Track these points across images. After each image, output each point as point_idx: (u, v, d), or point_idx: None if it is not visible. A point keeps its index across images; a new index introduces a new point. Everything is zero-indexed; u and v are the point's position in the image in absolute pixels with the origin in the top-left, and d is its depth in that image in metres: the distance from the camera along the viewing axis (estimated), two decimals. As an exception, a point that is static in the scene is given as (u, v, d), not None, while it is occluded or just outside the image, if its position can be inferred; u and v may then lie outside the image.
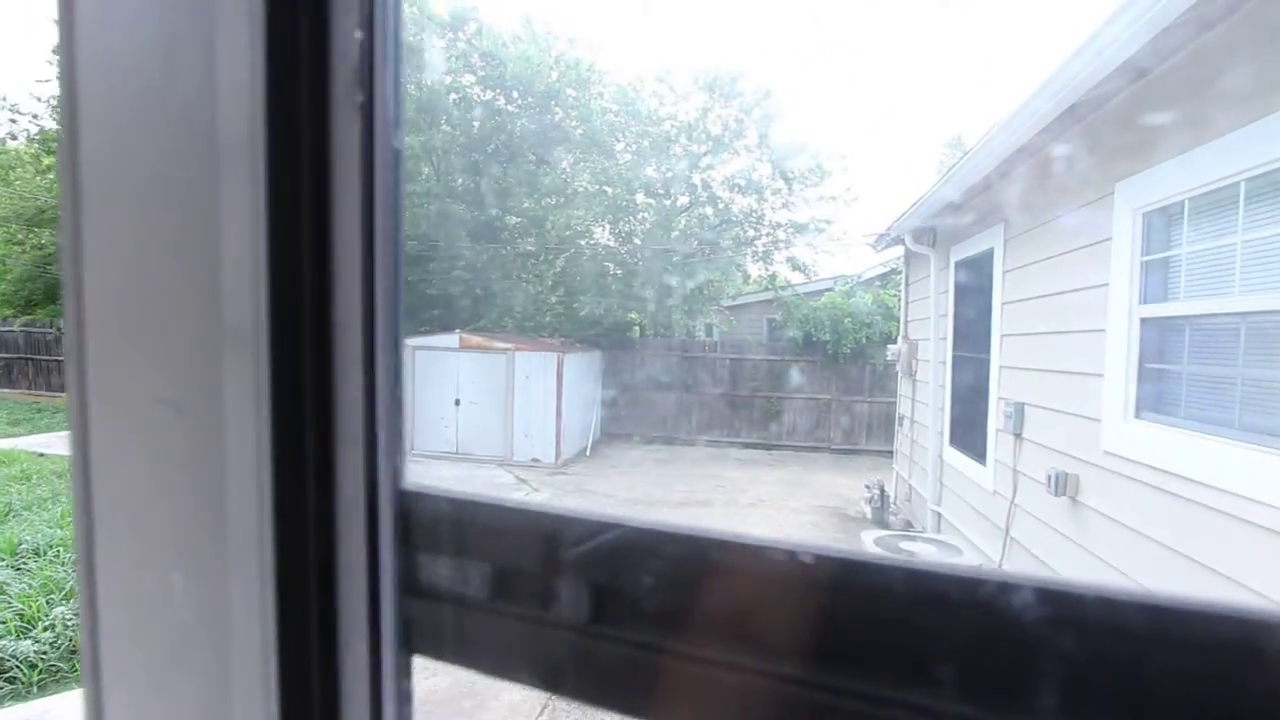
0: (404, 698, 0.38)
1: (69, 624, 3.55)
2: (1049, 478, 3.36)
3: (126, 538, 0.40)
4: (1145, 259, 2.69)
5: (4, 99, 16.37)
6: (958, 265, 5.29)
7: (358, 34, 0.35)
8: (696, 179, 11.62)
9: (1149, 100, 2.73)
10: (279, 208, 0.35)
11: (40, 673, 3.29)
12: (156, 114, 0.37)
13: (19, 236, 15.20)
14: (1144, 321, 2.70)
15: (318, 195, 0.37)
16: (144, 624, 0.40)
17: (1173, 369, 2.60)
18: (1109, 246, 2.93)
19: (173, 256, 0.38)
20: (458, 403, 9.21)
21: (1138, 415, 2.75)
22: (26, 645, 3.36)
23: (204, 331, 0.37)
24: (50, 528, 4.80)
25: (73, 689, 3.28)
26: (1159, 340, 2.66)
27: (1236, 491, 2.20)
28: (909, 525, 6.21)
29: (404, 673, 0.38)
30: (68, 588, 3.86)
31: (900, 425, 7.08)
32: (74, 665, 3.39)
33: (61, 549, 4.39)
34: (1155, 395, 2.70)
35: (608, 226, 11.67)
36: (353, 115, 0.36)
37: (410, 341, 9.60)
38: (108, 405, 0.40)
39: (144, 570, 0.39)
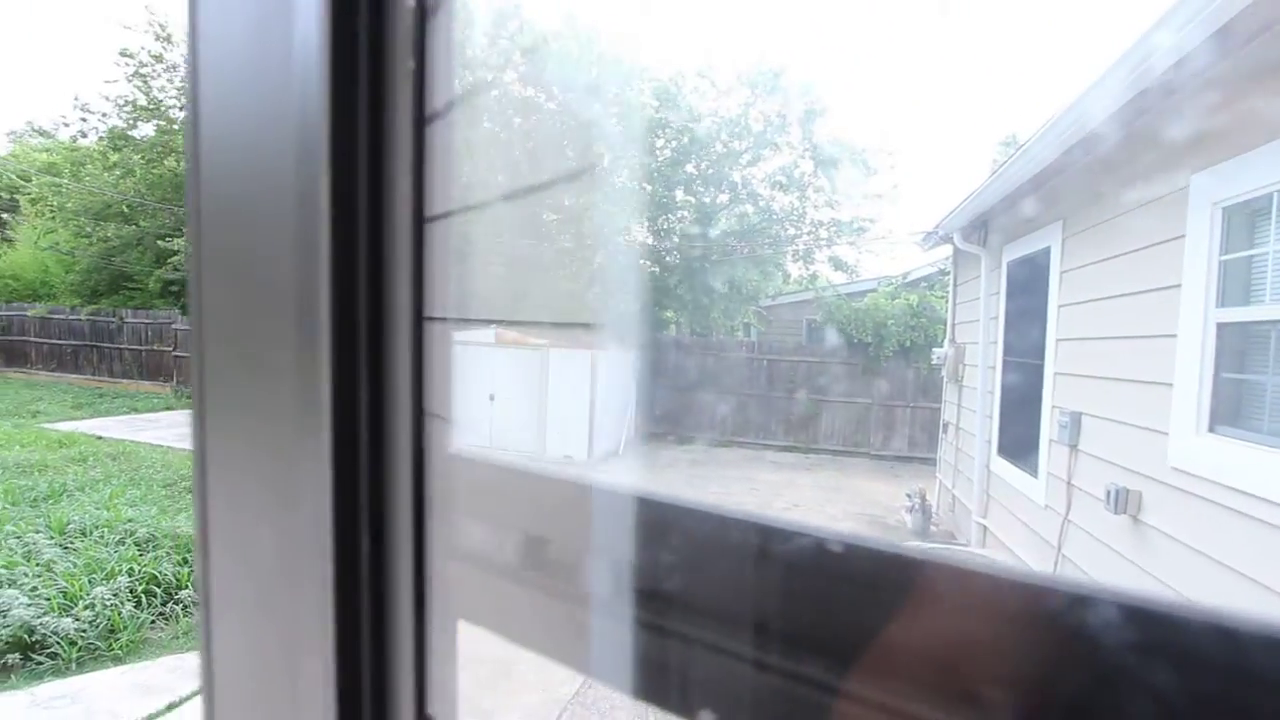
0: (447, 655, 0.42)
1: (108, 604, 3.65)
2: (1108, 493, 3.12)
3: (229, 497, 0.47)
4: (1224, 258, 2.46)
5: (76, 98, 17.22)
6: (1010, 265, 5.02)
7: (410, 1, 0.38)
8: (737, 176, 11.43)
9: (1230, 84, 2.49)
10: (338, 172, 0.39)
11: (79, 650, 3.38)
12: (250, 87, 0.43)
13: (87, 229, 15.99)
14: (1221, 327, 2.47)
15: (373, 160, 0.40)
16: (239, 567, 0.47)
17: (1254, 379, 2.36)
18: (1182, 244, 2.69)
19: (264, 231, 0.43)
20: (492, 398, 9.27)
21: (1211, 429, 2.52)
22: (67, 623, 3.46)
23: (282, 311, 0.42)
24: (98, 509, 4.97)
25: (109, 668, 3.36)
26: (1239, 348, 2.43)
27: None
28: (952, 537, 5.95)
29: (447, 631, 0.41)
30: (109, 567, 3.97)
31: (945, 432, 6.80)
32: (111, 644, 3.48)
33: (106, 530, 4.54)
34: (1233, 408, 2.46)
35: (646, 223, 11.58)
36: (405, 81, 0.39)
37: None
38: (219, 385, 0.48)
39: (240, 524, 0.47)
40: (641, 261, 11.35)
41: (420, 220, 0.40)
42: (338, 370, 0.39)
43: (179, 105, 17.10)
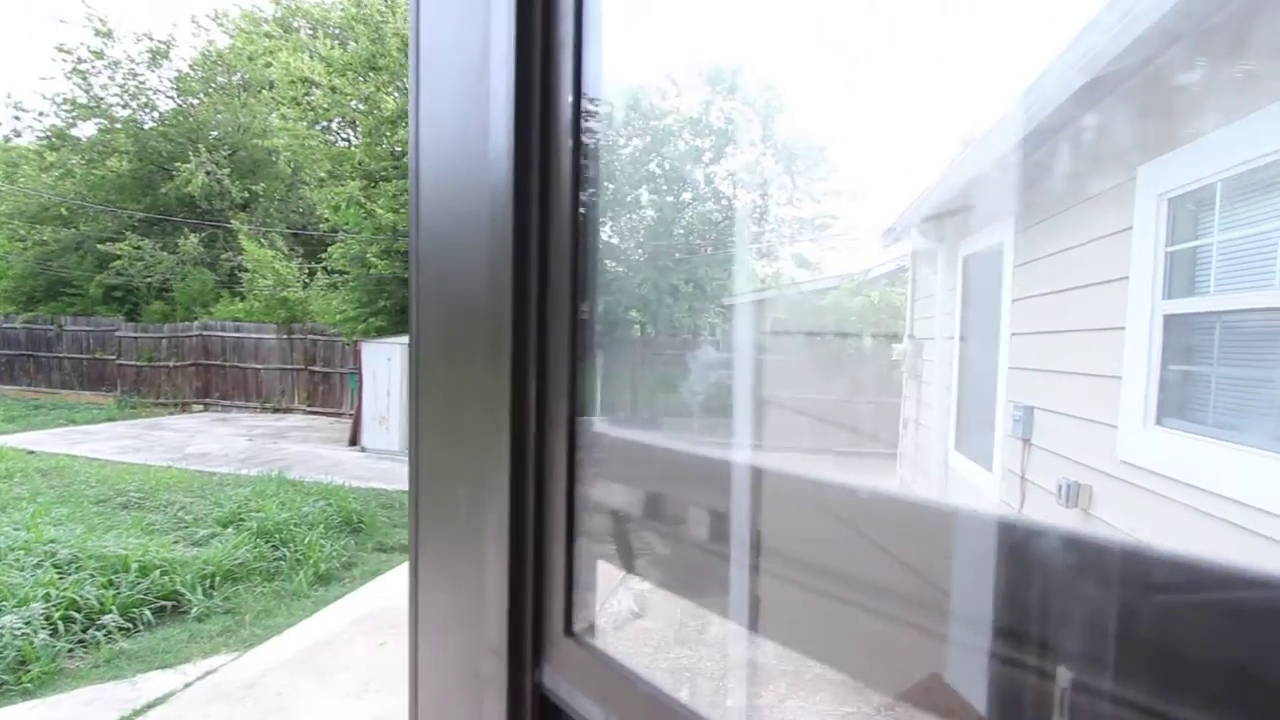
0: (588, 587, 0.53)
1: (18, 633, 3.38)
2: (1059, 487, 3.11)
3: (436, 460, 0.63)
4: (1170, 249, 2.44)
5: (9, 96, 16.38)
6: (966, 260, 5.04)
7: (569, 97, 0.52)
8: (699, 174, 11.39)
9: (1175, 75, 2.47)
10: (519, 220, 0.53)
11: (-18, 686, 3.12)
12: (458, 151, 0.59)
13: (21, 233, 15.21)
14: (1168, 318, 2.45)
15: (542, 210, 0.53)
16: (442, 515, 0.63)
17: (1200, 371, 2.34)
18: (1129, 236, 2.67)
19: (463, 269, 0.59)
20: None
21: (1159, 422, 2.50)
22: (-31, 657, 3.19)
23: (476, 328, 0.57)
24: (16, 530, 4.65)
25: (15, 703, 3.10)
26: (1184, 339, 2.41)
27: (1265, 508, 1.95)
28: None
29: (590, 569, 0.53)
30: (23, 593, 3.69)
31: (904, 428, 6.83)
32: (20, 678, 3.22)
33: (24, 553, 4.23)
34: (1179, 400, 2.44)
35: (609, 223, 11.46)
36: (566, 156, 0.52)
37: (402, 340, 9.42)
38: (429, 381, 0.64)
39: (443, 482, 0.62)
40: (605, 261, 11.23)
41: (575, 260, 0.51)
42: (515, 368, 0.51)
43: (122, 103, 16.39)
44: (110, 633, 3.72)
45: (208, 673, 3.48)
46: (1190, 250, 2.38)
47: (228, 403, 14.30)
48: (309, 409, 14.05)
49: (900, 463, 7.02)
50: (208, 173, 15.44)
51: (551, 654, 0.52)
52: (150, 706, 3.13)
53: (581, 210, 0.51)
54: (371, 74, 11.37)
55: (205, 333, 14.27)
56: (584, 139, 0.50)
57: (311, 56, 11.92)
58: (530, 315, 0.51)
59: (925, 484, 5.67)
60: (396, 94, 11.11)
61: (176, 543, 5.05)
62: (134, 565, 4.23)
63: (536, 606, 0.52)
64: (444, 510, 0.61)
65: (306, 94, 11.99)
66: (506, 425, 0.51)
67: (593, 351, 0.53)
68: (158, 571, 4.27)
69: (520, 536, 0.52)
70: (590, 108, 0.51)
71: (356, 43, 11.97)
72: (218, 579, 4.51)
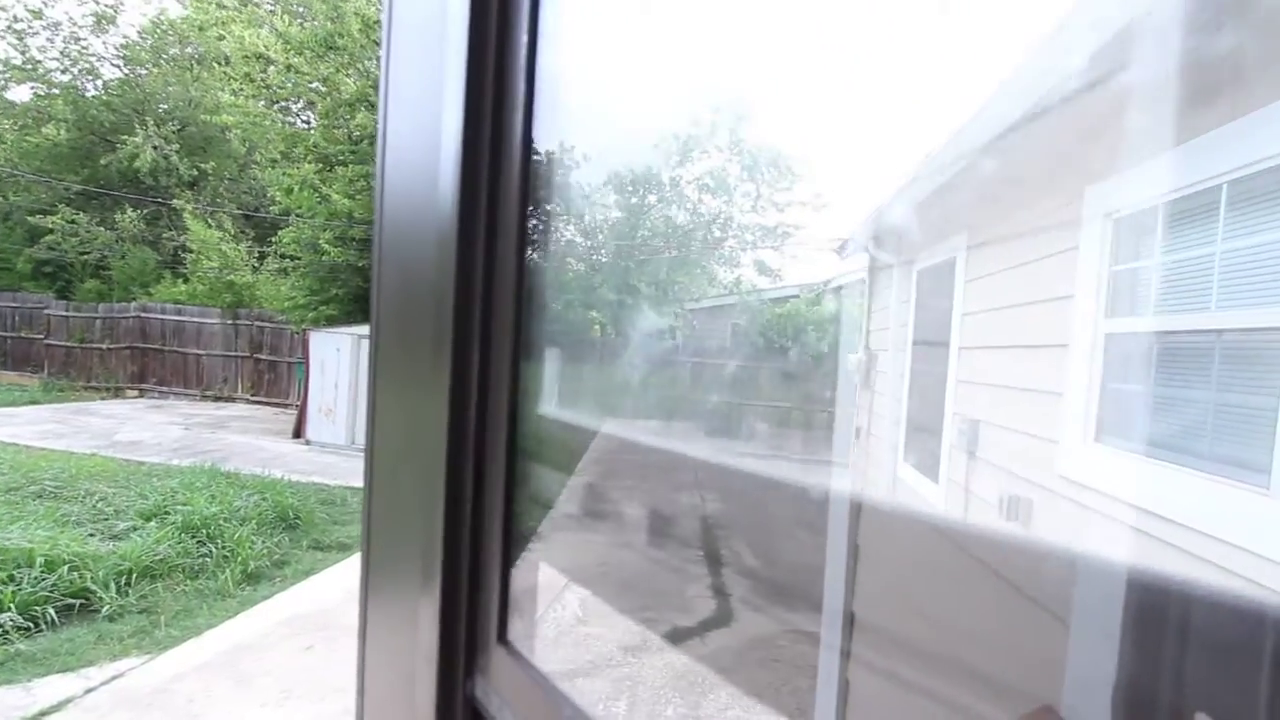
0: (528, 592, 0.54)
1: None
2: (1001, 501, 3.14)
3: (388, 454, 0.63)
4: (1114, 269, 2.48)
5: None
6: (920, 274, 5.11)
7: (521, 85, 0.51)
8: (665, 177, 11.36)
9: (1123, 97, 2.52)
10: (464, 213, 0.52)
11: None
12: (413, 156, 0.60)
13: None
14: (1109, 337, 2.49)
15: (490, 207, 0.53)
16: (391, 510, 0.63)
17: (1138, 390, 2.38)
18: (1075, 255, 2.71)
19: (419, 264, 0.59)
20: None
21: (1097, 439, 2.54)
22: None
23: (425, 313, 0.57)
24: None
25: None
26: (1124, 358, 2.45)
27: (1198, 528, 1.98)
28: (860, 541, 6.03)
29: (531, 572, 0.57)
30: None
31: (856, 437, 6.91)
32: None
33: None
34: (1117, 418, 2.48)
35: (573, 221, 11.34)
36: (514, 157, 0.52)
37: (353, 330, 9.12)
38: (388, 373, 0.65)
39: (393, 478, 0.62)
40: (567, 259, 11.11)
41: (520, 252, 0.52)
42: (456, 358, 0.52)
43: (62, 68, 15.51)
44: (7, 633, 3.44)
45: (113, 677, 3.24)
46: (1131, 271, 2.43)
47: (165, 389, 13.63)
48: (253, 398, 13.49)
49: (851, 471, 7.11)
50: (154, 147, 14.72)
51: (484, 663, 0.51)
52: (44, 714, 2.89)
53: (530, 207, 0.51)
54: (331, 54, 11.00)
55: (143, 314, 13.57)
56: (534, 133, 0.50)
57: (270, 31, 11.47)
58: (475, 308, 0.51)
59: (875, 492, 5.73)
60: (356, 76, 10.77)
61: (91, 536, 4.73)
62: (39, 559, 3.94)
63: (471, 610, 0.51)
64: (393, 506, 0.60)
65: (262, 71, 11.53)
66: (445, 418, 0.51)
67: (540, 348, 0.52)
68: (66, 567, 3.98)
69: (455, 533, 0.50)
70: (544, 107, 0.51)
71: (315, 20, 11.57)
72: (134, 576, 4.23)
